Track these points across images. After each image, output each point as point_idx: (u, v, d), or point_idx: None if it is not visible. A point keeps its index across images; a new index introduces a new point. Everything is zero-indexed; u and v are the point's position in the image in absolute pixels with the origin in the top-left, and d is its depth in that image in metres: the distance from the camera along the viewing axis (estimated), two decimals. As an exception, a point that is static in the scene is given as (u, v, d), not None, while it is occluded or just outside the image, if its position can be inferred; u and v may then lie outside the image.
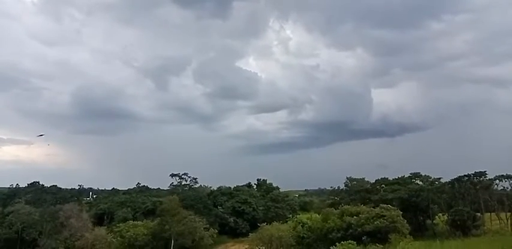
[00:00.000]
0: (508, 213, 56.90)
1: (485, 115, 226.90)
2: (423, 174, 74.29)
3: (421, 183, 72.22)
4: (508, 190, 62.43)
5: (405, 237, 39.34)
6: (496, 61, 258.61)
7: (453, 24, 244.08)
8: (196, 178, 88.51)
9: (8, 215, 61.79)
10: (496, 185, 63.13)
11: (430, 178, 72.48)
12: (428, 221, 65.14)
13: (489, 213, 60.37)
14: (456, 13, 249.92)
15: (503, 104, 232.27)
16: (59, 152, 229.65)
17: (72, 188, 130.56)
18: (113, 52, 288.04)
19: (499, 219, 57.92)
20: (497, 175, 61.02)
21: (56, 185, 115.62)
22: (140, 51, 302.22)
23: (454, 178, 65.21)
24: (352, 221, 44.20)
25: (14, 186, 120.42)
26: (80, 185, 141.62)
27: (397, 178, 74.84)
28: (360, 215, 44.56)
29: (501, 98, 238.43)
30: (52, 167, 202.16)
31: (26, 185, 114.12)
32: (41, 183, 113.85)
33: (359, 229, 42.61)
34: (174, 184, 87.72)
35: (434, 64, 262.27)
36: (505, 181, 61.04)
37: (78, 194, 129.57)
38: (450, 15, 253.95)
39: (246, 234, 60.99)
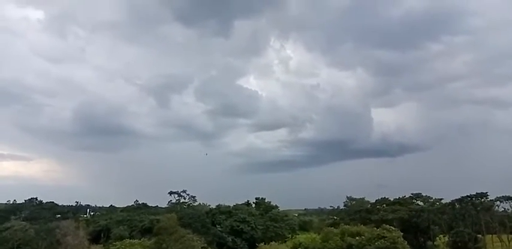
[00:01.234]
0: (510, 235, 56.26)
1: (485, 136, 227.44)
2: (424, 195, 74.07)
3: (421, 204, 71.84)
4: (509, 211, 62.07)
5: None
6: (496, 82, 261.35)
7: (452, 46, 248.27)
8: (195, 196, 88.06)
9: (4, 231, 61.01)
10: (497, 207, 62.70)
11: (431, 198, 72.19)
12: (429, 243, 64.34)
13: (490, 235, 59.68)
14: (455, 34, 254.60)
15: (502, 125, 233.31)
16: (58, 168, 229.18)
17: (69, 205, 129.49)
18: (115, 69, 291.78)
19: (500, 242, 57.22)
20: (498, 196, 60.74)
21: (53, 202, 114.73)
22: (143, 69, 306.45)
23: (455, 199, 64.88)
24: (353, 242, 43.79)
25: (12, 202, 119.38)
26: (78, 202, 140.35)
27: (397, 198, 74.43)
28: (362, 236, 44.19)
29: (500, 119, 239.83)
30: (50, 183, 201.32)
31: (24, 201, 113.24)
32: (38, 199, 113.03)
33: (360, 250, 42.17)
34: (172, 201, 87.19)
35: (434, 85, 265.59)
36: (506, 203, 60.72)
37: (76, 211, 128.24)
38: (449, 37, 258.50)
39: (244, 254, 60.11)
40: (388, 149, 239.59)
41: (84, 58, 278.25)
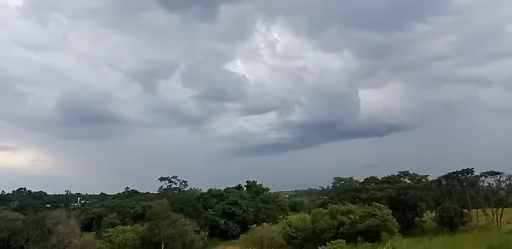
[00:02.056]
0: (494, 209, 57.94)
1: (470, 114, 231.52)
2: (411, 172, 75.40)
3: (409, 181, 73.17)
4: (494, 186, 63.59)
5: (394, 235, 39.81)
6: (480, 62, 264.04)
7: (437, 26, 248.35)
8: (186, 181, 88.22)
9: (-7, 223, 60.49)
10: (481, 182, 64.24)
11: (418, 176, 73.50)
12: (417, 219, 65.96)
13: (476, 210, 61.42)
14: (440, 15, 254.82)
15: (487, 103, 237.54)
16: (46, 158, 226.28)
17: (59, 194, 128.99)
18: (99, 56, 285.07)
19: (485, 215, 59.00)
20: (483, 171, 62.10)
21: (42, 191, 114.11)
22: (127, 55, 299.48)
23: (441, 176, 66.16)
24: (345, 220, 44.55)
25: (0, 193, 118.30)
26: (68, 191, 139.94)
27: (385, 176, 75.63)
28: (353, 214, 44.98)
29: (485, 97, 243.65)
30: (39, 173, 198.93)
31: (12, 191, 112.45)
32: (27, 189, 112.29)
33: (352, 228, 42.98)
34: (163, 187, 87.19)
35: (419, 65, 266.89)
36: (491, 178, 62.18)
37: (66, 199, 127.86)
38: (434, 17, 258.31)
39: (236, 236, 60.85)
40: (375, 129, 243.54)
41: (66, 45, 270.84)
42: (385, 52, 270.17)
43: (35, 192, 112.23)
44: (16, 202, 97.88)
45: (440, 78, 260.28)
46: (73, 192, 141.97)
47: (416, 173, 74.71)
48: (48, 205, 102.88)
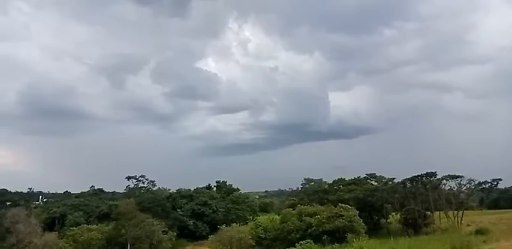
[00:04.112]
0: (455, 212, 60.24)
1: (433, 119, 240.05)
2: (378, 175, 77.40)
3: (375, 183, 74.98)
4: (455, 189, 66.05)
5: (361, 236, 40.63)
6: (442, 67, 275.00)
7: (404, 31, 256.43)
8: (154, 181, 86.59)
9: None
10: (443, 185, 66.57)
11: (384, 178, 75.48)
12: (383, 220, 67.59)
13: (438, 212, 63.60)
14: (406, 20, 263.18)
15: (449, 108, 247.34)
16: (6, 153, 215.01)
17: (21, 192, 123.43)
18: (64, 48, 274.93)
19: (447, 217, 61.18)
20: (445, 175, 64.37)
21: (3, 188, 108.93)
22: (94, 49, 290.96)
23: (406, 178, 68.07)
24: (312, 221, 45.07)
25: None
26: (30, 188, 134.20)
27: (353, 178, 77.19)
28: (320, 215, 45.55)
29: (447, 103, 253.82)
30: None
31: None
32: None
33: (319, 229, 43.54)
34: (130, 186, 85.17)
35: (386, 69, 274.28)
36: (452, 181, 64.47)
37: (29, 197, 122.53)
38: (401, 22, 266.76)
39: (205, 237, 60.42)
40: (344, 132, 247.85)
41: (29, 36, 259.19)
42: (354, 55, 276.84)
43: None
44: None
45: (406, 82, 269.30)
46: (36, 190, 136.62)
47: (382, 175, 76.83)
48: (8, 203, 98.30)
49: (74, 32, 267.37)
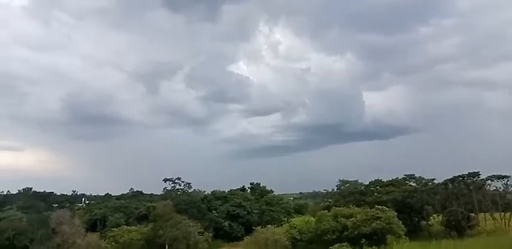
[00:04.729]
0: (502, 213, 57.20)
1: (475, 117, 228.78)
2: (417, 176, 74.76)
3: (414, 184, 72.52)
4: (501, 190, 62.81)
5: (401, 238, 39.34)
6: (484, 64, 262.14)
7: (441, 28, 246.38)
8: (190, 183, 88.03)
9: (-1, 222, 60.80)
10: (488, 186, 63.52)
11: (424, 179, 72.84)
12: (423, 222, 65.30)
13: (483, 214, 60.67)
14: (443, 17, 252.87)
15: (492, 106, 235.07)
16: (52, 158, 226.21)
17: (66, 194, 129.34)
18: (103, 57, 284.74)
19: (492, 219, 58.20)
20: (489, 175, 61.41)
21: (48, 191, 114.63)
22: (131, 56, 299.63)
23: (448, 179, 65.49)
24: (348, 223, 44.15)
25: (5, 193, 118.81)
26: (74, 191, 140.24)
27: (391, 179, 75.02)
28: (355, 217, 44.55)
29: (490, 100, 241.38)
30: (45, 173, 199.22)
31: (17, 191, 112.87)
32: (33, 189, 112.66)
33: (355, 231, 42.59)
34: (167, 188, 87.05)
35: (423, 68, 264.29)
36: (497, 181, 61.41)
37: (72, 200, 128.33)
38: (437, 19, 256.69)
39: (241, 238, 60.64)
40: (380, 132, 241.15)
41: (70, 45, 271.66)
42: (388, 54, 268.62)
43: (41, 192, 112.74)
44: (21, 202, 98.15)
45: (445, 80, 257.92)
46: (79, 192, 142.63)
47: (422, 176, 74.11)
48: (55, 205, 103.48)
49: (112, 40, 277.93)
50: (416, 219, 66.50)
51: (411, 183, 73.80)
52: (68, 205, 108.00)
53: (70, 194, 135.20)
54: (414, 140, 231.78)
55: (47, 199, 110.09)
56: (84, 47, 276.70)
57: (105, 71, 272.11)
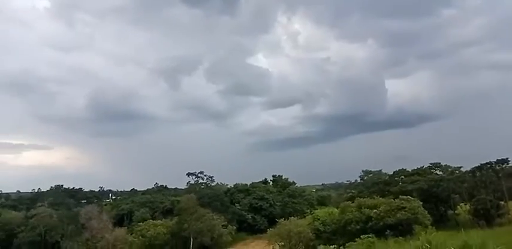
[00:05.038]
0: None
1: (503, 101, 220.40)
2: (443, 164, 73.00)
3: (440, 173, 70.86)
4: (533, 176, 60.58)
5: (427, 228, 38.46)
6: (511, 46, 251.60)
7: (464, 10, 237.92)
8: (213, 176, 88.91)
9: (31, 218, 63.16)
10: (519, 172, 61.34)
11: (450, 167, 71.08)
12: (450, 212, 63.83)
13: (513, 201, 58.71)
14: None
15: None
16: (79, 155, 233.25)
17: (93, 190, 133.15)
18: (125, 54, 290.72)
19: (524, 207, 56.27)
20: (520, 161, 59.26)
21: (76, 188, 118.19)
22: (152, 52, 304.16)
23: (475, 167, 63.66)
24: (372, 214, 43.56)
25: (36, 190, 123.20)
26: (101, 187, 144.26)
27: (416, 168, 73.54)
28: (379, 208, 43.87)
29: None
30: (73, 170, 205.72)
31: (49, 188, 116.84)
32: (63, 186, 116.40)
33: (380, 222, 41.97)
34: (190, 182, 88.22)
35: (448, 52, 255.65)
36: (528, 168, 59.28)
37: (100, 195, 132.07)
38: (461, 0, 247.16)
39: (264, 231, 60.87)
40: (404, 120, 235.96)
41: (93, 45, 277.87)
42: (410, 40, 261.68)
43: (70, 189, 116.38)
44: (51, 199, 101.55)
45: (470, 64, 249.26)
46: (106, 188, 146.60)
47: (448, 164, 72.28)
48: (83, 201, 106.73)
49: (133, 38, 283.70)
50: (443, 209, 65.05)
51: (437, 172, 72.18)
52: (95, 200, 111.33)
53: (97, 190, 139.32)
54: (440, 127, 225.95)
55: (76, 195, 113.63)
56: (106, 46, 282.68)
57: (127, 68, 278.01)
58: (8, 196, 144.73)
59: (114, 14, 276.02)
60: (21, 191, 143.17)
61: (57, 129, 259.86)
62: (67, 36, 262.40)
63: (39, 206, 74.11)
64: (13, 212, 76.99)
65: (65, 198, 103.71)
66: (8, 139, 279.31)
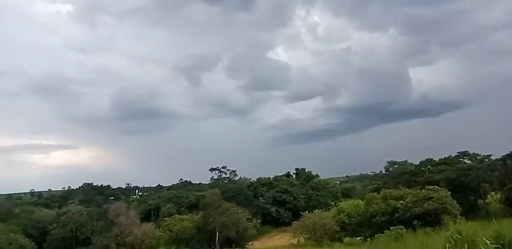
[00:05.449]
0: None
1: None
2: (471, 152, 70.83)
3: (469, 162, 68.82)
4: None
5: (456, 218, 37.41)
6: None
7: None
8: (235, 171, 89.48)
9: (62, 216, 65.28)
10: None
11: (479, 155, 68.89)
12: (480, 201, 61.98)
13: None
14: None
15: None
16: (105, 154, 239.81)
17: (120, 187, 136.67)
18: (146, 54, 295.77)
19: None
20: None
21: (105, 185, 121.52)
22: (172, 51, 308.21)
23: (506, 155, 61.29)
24: (398, 205, 42.70)
25: (66, 188, 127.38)
26: (128, 184, 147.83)
27: (443, 158, 71.68)
28: (406, 199, 42.95)
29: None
30: (99, 168, 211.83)
31: (79, 186, 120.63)
32: (93, 184, 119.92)
33: (407, 213, 41.12)
34: (214, 177, 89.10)
35: (473, 38, 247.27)
36: None
37: (127, 192, 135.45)
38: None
39: (288, 224, 60.77)
40: (430, 109, 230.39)
41: (115, 45, 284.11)
42: (434, 26, 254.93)
43: (99, 186, 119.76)
44: (82, 196, 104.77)
45: (497, 50, 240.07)
46: (132, 185, 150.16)
47: (477, 153, 70.03)
48: (111, 198, 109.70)
49: (153, 37, 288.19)
50: (473, 198, 63.30)
51: (465, 160, 70.18)
52: (123, 197, 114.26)
53: (124, 187, 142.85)
54: (467, 115, 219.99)
55: (104, 192, 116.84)
56: (128, 46, 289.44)
57: (149, 67, 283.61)
58: (40, 194, 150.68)
59: (134, 15, 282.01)
60: (52, 189, 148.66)
61: (84, 129, 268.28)
62: (90, 38, 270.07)
63: (70, 204, 76.56)
64: (45, 209, 79.78)
65: (94, 195, 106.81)
66: (37, 139, 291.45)
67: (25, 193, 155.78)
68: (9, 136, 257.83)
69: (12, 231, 54.90)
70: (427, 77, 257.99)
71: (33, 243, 55.67)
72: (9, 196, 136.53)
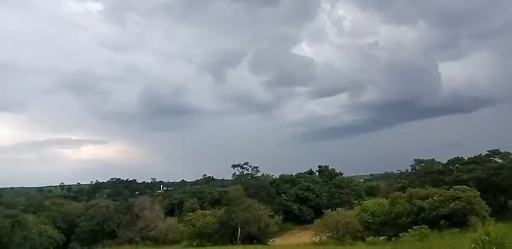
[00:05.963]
0: None
1: None
2: (503, 151, 68.16)
3: (500, 161, 66.20)
4: None
5: (485, 219, 36.12)
6: None
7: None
8: (258, 167, 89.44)
9: (90, 209, 67.43)
10: None
11: (511, 154, 66.16)
12: (511, 202, 59.61)
13: None
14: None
15: None
16: (132, 149, 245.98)
17: (146, 182, 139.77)
18: (173, 51, 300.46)
19: None
20: None
21: (131, 180, 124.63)
22: (198, 47, 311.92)
23: (541, 153, 58.71)
24: (424, 205, 41.64)
25: (94, 182, 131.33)
26: (153, 179, 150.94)
27: (473, 156, 69.26)
28: (432, 198, 41.81)
29: None
30: (126, 163, 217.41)
31: (107, 180, 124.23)
32: (120, 178, 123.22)
33: (433, 213, 40.05)
34: (236, 174, 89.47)
35: (507, 30, 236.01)
36: None
37: (152, 186, 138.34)
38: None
39: (310, 221, 60.44)
40: (460, 105, 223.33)
41: (143, 43, 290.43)
42: (465, 18, 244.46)
43: (125, 180, 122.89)
44: (109, 190, 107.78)
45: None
46: (157, 180, 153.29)
47: (508, 151, 67.24)
48: (136, 192, 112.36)
49: (179, 34, 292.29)
50: (503, 199, 61.03)
51: (496, 159, 67.51)
52: (148, 191, 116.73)
53: (149, 181, 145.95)
54: (500, 111, 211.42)
55: (130, 187, 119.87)
56: (155, 43, 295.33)
57: (176, 64, 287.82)
58: (69, 187, 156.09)
59: (161, 12, 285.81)
60: (81, 183, 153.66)
61: (112, 125, 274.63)
62: (119, 36, 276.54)
63: (98, 197, 78.89)
64: (74, 202, 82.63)
65: (121, 189, 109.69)
66: (68, 134, 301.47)
67: (55, 186, 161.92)
68: (42, 131, 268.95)
69: (42, 223, 57.13)
70: (457, 72, 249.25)
71: (62, 234, 57.73)
72: (40, 189, 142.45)
